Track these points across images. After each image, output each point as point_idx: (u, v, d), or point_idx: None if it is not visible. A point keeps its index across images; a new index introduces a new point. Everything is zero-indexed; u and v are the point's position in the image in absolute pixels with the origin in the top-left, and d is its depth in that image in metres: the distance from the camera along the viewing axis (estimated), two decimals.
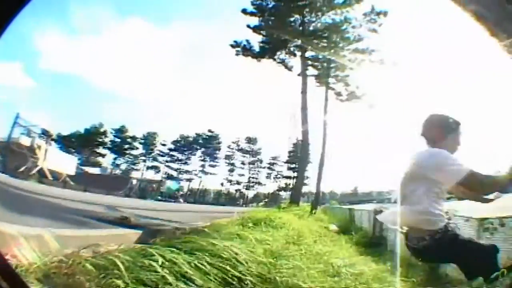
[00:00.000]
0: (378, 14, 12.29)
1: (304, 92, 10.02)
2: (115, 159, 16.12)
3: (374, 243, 6.04)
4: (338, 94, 9.90)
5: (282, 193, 10.50)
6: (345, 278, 2.65)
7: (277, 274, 2.21)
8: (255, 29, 13.05)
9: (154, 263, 1.90)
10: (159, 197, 12.33)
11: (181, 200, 12.20)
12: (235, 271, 2.28)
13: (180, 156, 12.79)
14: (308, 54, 11.88)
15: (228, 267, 2.26)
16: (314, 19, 11.81)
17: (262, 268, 2.25)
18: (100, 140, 15.54)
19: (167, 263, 1.98)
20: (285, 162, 10.91)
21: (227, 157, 11.88)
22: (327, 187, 12.30)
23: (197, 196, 11.53)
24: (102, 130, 15.74)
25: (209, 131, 12.66)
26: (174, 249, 2.25)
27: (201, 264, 2.20)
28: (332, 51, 11.26)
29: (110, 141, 15.73)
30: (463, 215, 4.11)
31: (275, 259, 2.66)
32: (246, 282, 2.23)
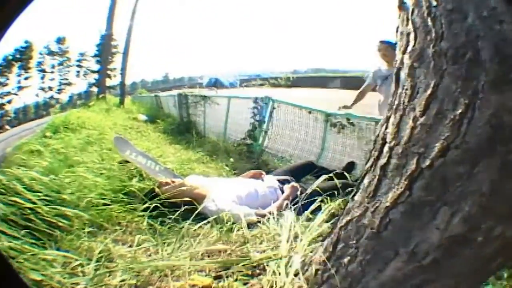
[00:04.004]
0: None
1: None
2: None
3: (181, 130, 5.59)
4: None
5: (93, 89, 9.60)
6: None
7: (64, 190, 1.91)
8: None
9: None
10: None
11: (7, 127, 9.84)
12: (26, 202, 1.91)
13: (2, 80, 10.13)
14: None
15: (20, 200, 1.90)
16: None
17: (49, 190, 1.85)
18: None
19: None
20: (93, 57, 9.65)
21: (38, 64, 9.72)
22: (137, 76, 12.01)
23: (20, 116, 9.43)
24: None
25: (25, 42, 9.78)
26: None
27: None
28: None
29: None
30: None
31: (70, 167, 2.35)
32: (37, 211, 1.93)
